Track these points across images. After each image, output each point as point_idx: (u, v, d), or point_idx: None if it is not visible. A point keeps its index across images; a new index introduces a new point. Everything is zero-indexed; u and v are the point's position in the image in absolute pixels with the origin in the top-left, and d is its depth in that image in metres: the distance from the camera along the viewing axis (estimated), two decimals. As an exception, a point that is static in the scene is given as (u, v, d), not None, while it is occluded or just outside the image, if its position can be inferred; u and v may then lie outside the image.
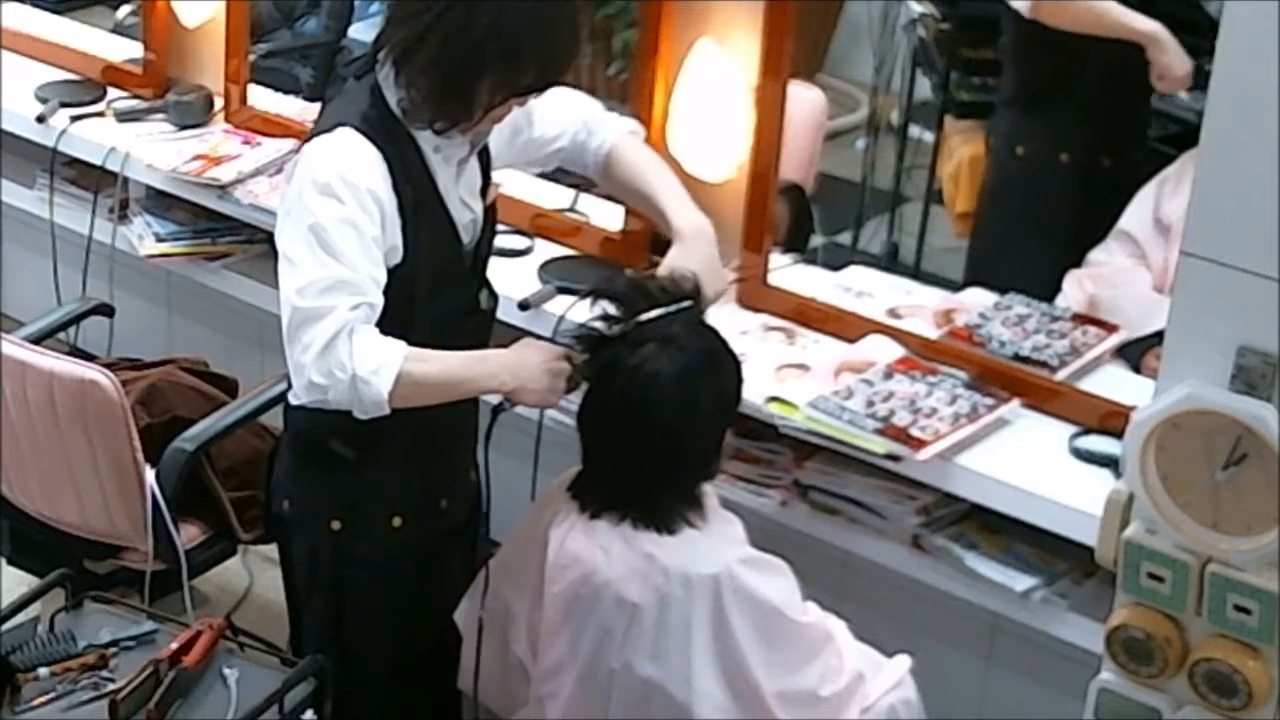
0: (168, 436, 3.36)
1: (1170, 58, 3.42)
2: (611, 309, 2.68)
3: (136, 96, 4.24)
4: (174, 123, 4.12)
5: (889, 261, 4.30)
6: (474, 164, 2.80)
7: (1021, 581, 2.96)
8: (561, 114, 2.96)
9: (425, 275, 2.71)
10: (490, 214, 2.86)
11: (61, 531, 3.40)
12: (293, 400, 2.74)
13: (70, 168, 4.18)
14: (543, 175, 3.38)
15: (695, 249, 2.83)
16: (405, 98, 2.65)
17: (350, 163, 2.62)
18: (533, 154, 2.98)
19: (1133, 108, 3.74)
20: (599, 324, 2.68)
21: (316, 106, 2.92)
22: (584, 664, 2.67)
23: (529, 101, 2.73)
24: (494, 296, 2.91)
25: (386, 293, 2.64)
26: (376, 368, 2.58)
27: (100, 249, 4.12)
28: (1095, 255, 3.48)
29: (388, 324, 2.64)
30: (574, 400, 2.74)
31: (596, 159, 2.98)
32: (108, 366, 3.34)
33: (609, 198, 3.49)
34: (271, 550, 3.11)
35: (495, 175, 2.88)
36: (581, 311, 2.78)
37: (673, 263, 2.79)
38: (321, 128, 2.69)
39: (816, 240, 4.10)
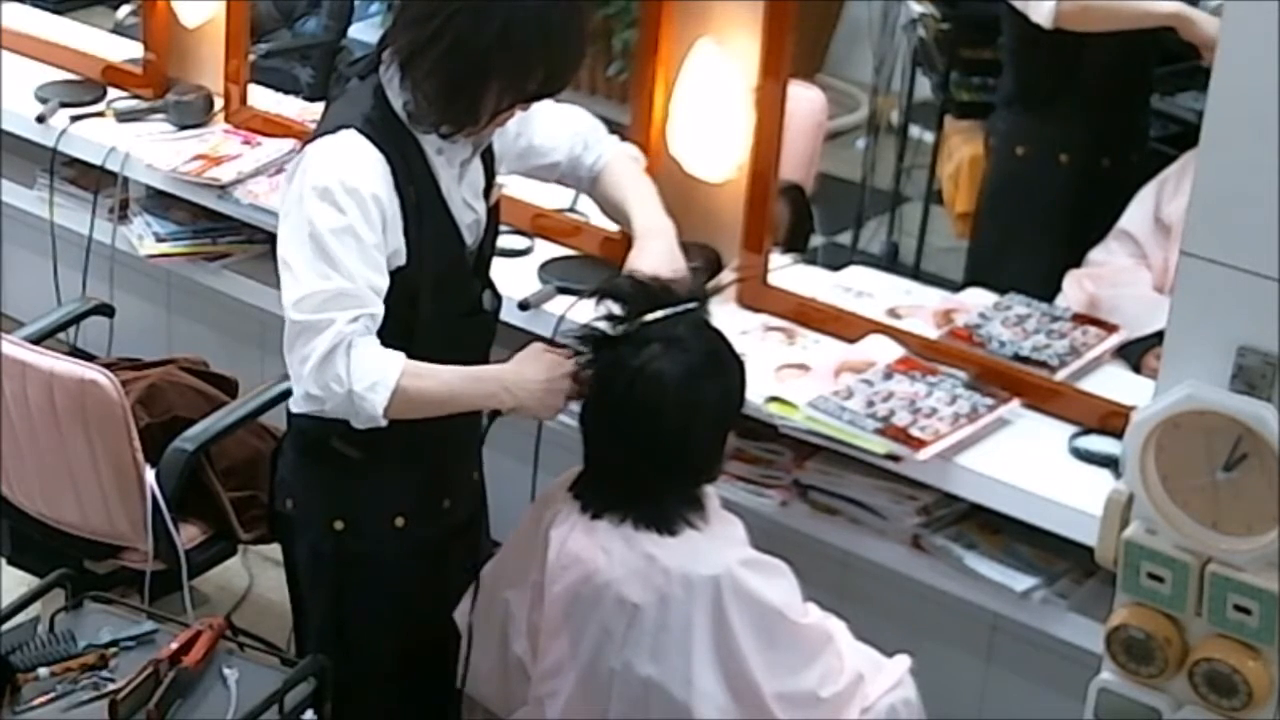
0: (168, 436, 3.36)
1: (1202, 29, 3.33)
2: (616, 309, 2.68)
3: (136, 96, 4.23)
4: (174, 123, 4.12)
5: (889, 261, 4.30)
6: (477, 165, 2.79)
7: (1021, 581, 2.96)
8: (560, 129, 2.96)
9: (428, 276, 2.71)
10: (494, 215, 2.86)
11: (61, 531, 3.39)
12: (293, 408, 2.75)
13: (70, 168, 4.17)
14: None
15: (651, 248, 2.83)
16: (411, 101, 2.64)
17: (351, 167, 2.62)
18: (530, 161, 2.97)
19: (1132, 108, 3.74)
20: (603, 324, 2.68)
21: (317, 106, 2.92)
22: (584, 664, 2.67)
23: (533, 106, 2.73)
24: (497, 297, 2.91)
25: (390, 294, 2.64)
26: (373, 383, 2.58)
27: (100, 249, 4.11)
28: (1095, 255, 3.47)
29: (391, 325, 2.64)
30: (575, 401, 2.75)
31: (590, 174, 2.98)
32: (108, 366, 3.34)
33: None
34: (271, 550, 3.10)
35: (500, 177, 2.88)
36: (582, 311, 2.78)
37: (631, 263, 2.79)
38: (324, 129, 2.69)
39: (816, 240, 4.10)
